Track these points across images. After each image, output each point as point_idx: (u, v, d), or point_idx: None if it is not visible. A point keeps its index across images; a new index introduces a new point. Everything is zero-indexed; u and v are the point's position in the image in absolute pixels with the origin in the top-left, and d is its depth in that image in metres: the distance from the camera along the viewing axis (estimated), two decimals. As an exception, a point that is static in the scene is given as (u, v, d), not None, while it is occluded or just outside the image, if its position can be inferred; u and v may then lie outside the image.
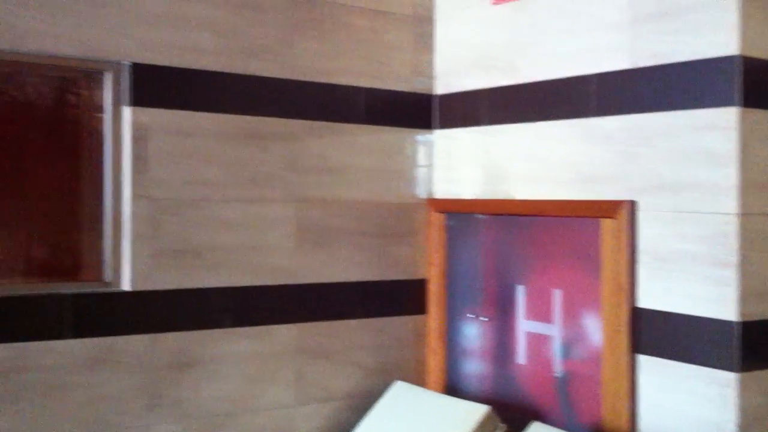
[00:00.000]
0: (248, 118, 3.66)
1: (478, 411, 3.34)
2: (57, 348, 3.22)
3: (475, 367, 3.88)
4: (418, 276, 4.11)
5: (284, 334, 3.74)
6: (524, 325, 3.63)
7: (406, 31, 4.13)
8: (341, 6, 3.92)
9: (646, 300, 3.17)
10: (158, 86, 3.46)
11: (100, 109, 3.46)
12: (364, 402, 3.86)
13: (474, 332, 3.89)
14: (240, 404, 3.62)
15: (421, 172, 4.16)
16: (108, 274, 3.42)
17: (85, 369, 3.27)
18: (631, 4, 3.26)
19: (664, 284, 3.11)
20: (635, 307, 3.19)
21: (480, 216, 3.89)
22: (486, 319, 3.82)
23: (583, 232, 3.37)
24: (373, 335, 3.96)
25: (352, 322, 3.92)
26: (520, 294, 3.65)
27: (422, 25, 4.18)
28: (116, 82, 3.42)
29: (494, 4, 3.85)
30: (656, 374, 3.14)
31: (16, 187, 3.36)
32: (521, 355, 3.64)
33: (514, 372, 3.68)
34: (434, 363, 4.05)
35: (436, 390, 3.94)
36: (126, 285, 3.40)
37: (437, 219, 4.07)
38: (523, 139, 3.69)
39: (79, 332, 3.27)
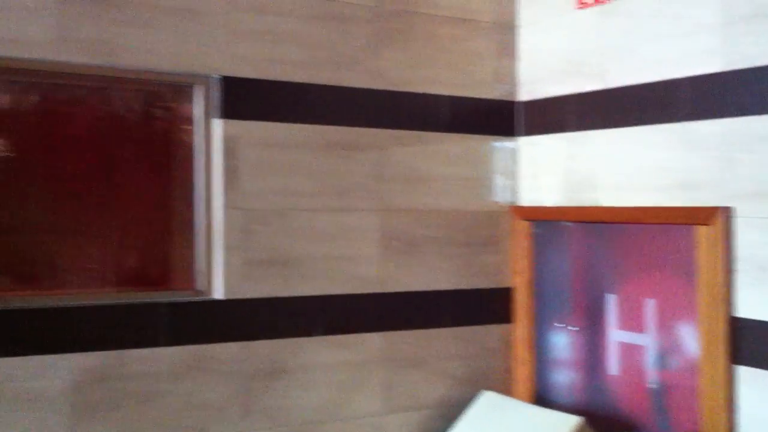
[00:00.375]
0: (335, 128, 3.70)
1: (571, 422, 3.29)
2: (153, 355, 3.29)
3: (564, 378, 3.82)
4: (504, 284, 4.08)
5: (372, 342, 3.75)
6: (615, 335, 3.56)
7: (489, 38, 4.11)
8: (425, 15, 3.93)
9: (745, 309, 3.08)
10: (247, 99, 3.52)
11: (190, 122, 3.54)
12: (451, 411, 3.85)
13: (563, 342, 3.83)
14: (329, 413, 3.64)
15: (505, 180, 4.13)
16: (200, 283, 3.49)
17: (180, 376, 3.34)
18: (725, 6, 3.17)
19: (764, 293, 3.01)
20: (733, 316, 3.10)
21: (567, 223, 3.84)
22: (575, 329, 3.76)
23: (677, 240, 3.29)
24: (460, 344, 3.95)
25: (439, 331, 3.91)
26: (611, 303, 3.59)
27: (505, 32, 4.16)
28: (206, 96, 3.50)
29: (579, 8, 3.80)
30: (757, 386, 3.04)
31: (111, 199, 3.45)
32: (613, 365, 3.57)
33: (605, 383, 3.61)
34: (522, 373, 4.01)
35: (524, 400, 3.89)
36: (218, 294, 3.46)
37: (523, 227, 4.04)
38: (613, 145, 3.63)
39: (174, 340, 3.34)
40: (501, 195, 4.11)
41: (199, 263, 3.49)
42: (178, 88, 3.53)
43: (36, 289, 3.25)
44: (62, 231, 3.34)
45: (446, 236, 3.94)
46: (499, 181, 4.12)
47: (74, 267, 3.35)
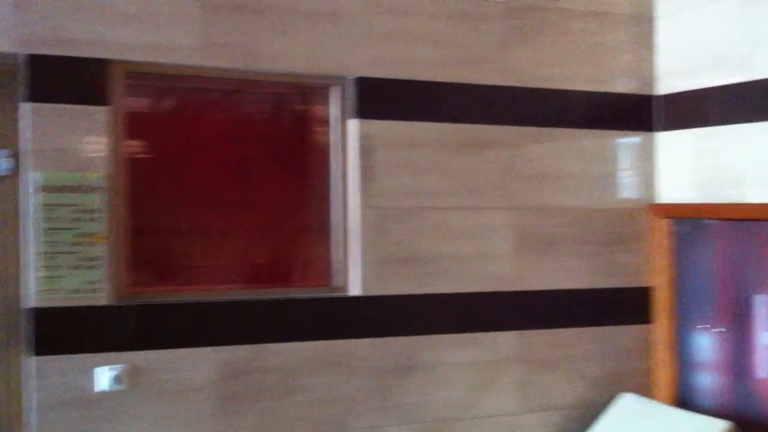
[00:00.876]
0: (468, 126, 3.69)
1: (719, 427, 3.16)
2: (292, 350, 3.38)
3: (709, 381, 3.67)
4: (643, 284, 3.96)
5: (506, 341, 3.72)
6: (766, 337, 3.39)
7: (624, 31, 4.00)
8: (557, 10, 3.87)
9: None
10: (382, 99, 3.56)
11: (326, 122, 3.61)
12: (588, 413, 3.77)
13: (707, 343, 3.68)
14: (463, 410, 3.64)
15: (641, 177, 4.01)
16: (337, 280, 3.55)
17: (318, 371, 3.41)
18: None
19: None
20: None
21: (709, 221, 3.69)
22: (721, 330, 3.61)
23: (833, 237, 3.10)
24: (596, 344, 3.86)
25: (574, 331, 3.83)
26: (761, 304, 3.42)
27: (641, 25, 4.04)
28: (342, 96, 3.56)
29: (721, -3, 3.65)
30: None
31: (250, 199, 3.57)
32: (763, 368, 3.40)
33: (754, 386, 3.44)
34: (664, 375, 3.88)
35: (665, 403, 3.76)
36: (354, 290, 3.52)
37: (661, 225, 3.91)
38: (760, 138, 3.46)
39: (312, 335, 3.42)
40: (637, 192, 3.99)
41: (336, 261, 3.56)
42: (315, 90, 3.61)
43: (184, 286, 3.40)
44: (206, 231, 3.48)
45: (581, 234, 3.86)
46: (635, 177, 4.00)
47: (217, 265, 3.49)
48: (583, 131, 3.89)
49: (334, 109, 3.59)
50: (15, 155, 3.09)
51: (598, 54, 3.95)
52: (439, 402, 3.60)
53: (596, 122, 3.94)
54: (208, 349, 3.25)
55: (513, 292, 3.73)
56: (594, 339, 3.85)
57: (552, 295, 3.80)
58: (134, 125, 3.24)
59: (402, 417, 3.54)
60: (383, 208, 3.53)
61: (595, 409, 3.75)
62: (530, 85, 3.80)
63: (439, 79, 3.64)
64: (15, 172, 3.09)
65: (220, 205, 3.48)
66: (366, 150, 3.52)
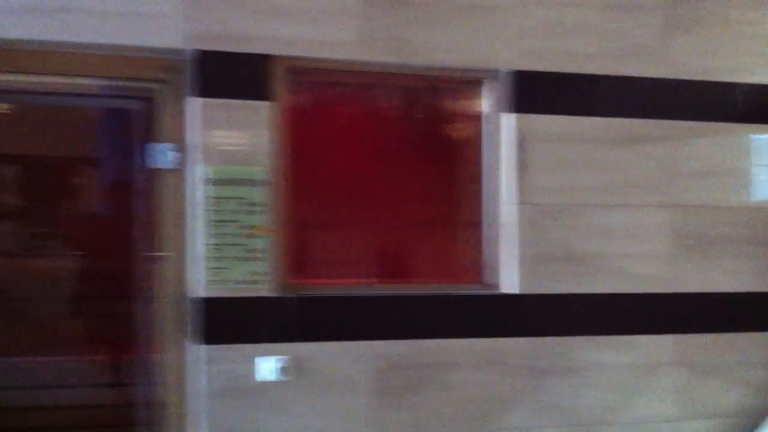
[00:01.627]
0: (625, 120, 3.57)
1: None
2: (447, 346, 3.35)
3: None
4: (813, 288, 3.74)
5: (663, 344, 3.58)
6: None
7: (788, 21, 3.79)
8: (717, 0, 3.70)
9: None
10: (537, 92, 3.49)
11: (478, 117, 3.57)
12: (753, 421, 3.58)
13: None
14: (619, 414, 3.53)
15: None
16: (489, 277, 3.50)
17: (472, 368, 3.38)
18: None
19: None
20: None
21: None
22: None
23: None
24: (762, 351, 3.66)
25: (737, 336, 3.65)
26: None
27: (807, 14, 3.81)
28: (495, 90, 3.51)
29: None
30: None
31: (405, 193, 3.56)
32: None
33: None
34: (836, 384, 3.65)
35: (838, 414, 3.54)
36: (507, 288, 3.46)
37: (834, 225, 3.67)
38: None
39: (466, 332, 3.38)
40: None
41: (487, 257, 3.51)
42: (468, 84, 3.57)
43: (342, 279, 3.43)
44: (362, 224, 3.50)
45: (746, 234, 3.67)
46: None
47: (373, 259, 3.50)
48: (749, 126, 3.71)
49: (487, 104, 3.55)
50: (182, 149, 3.18)
51: (760, 44, 3.75)
52: (593, 404, 3.50)
53: (761, 116, 3.74)
54: (365, 343, 3.26)
55: (671, 294, 3.59)
56: (760, 345, 3.65)
57: (713, 297, 3.63)
58: (295, 120, 3.28)
59: (555, 418, 3.46)
60: (538, 204, 3.46)
61: (761, 417, 3.56)
62: (691, 77, 3.65)
63: (596, 72, 3.54)
64: (181, 166, 3.18)
65: (375, 199, 3.50)
66: (520, 145, 3.46)
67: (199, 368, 3.09)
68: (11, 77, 3.09)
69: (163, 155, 3.17)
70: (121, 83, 3.20)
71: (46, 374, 4.01)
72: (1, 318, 3.60)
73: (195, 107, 3.10)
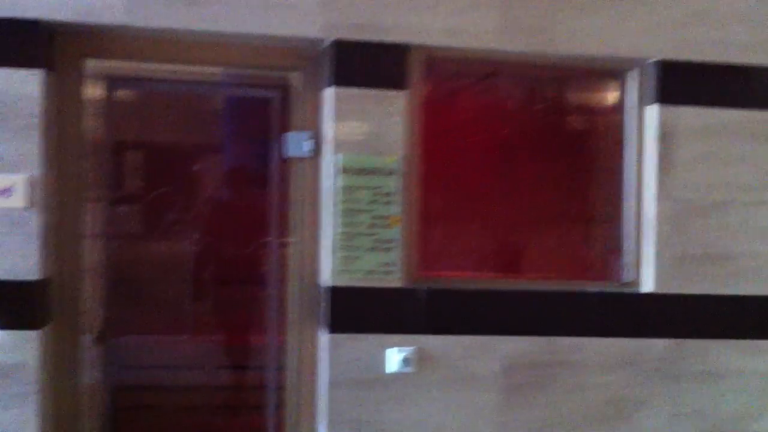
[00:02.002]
0: (778, 113, 3.34)
1: None
2: (581, 345, 3.24)
3: None
4: None
5: (815, 353, 3.34)
6: None
7: None
8: None
9: None
10: (684, 83, 3.31)
11: (620, 108, 3.41)
12: None
13: None
14: (758, 423, 3.32)
15: None
16: (628, 275, 3.36)
17: (607, 368, 3.26)
18: None
19: None
20: None
21: None
22: None
23: None
24: None
25: None
26: None
27: None
28: (640, 81, 3.35)
29: None
30: None
31: (539, 185, 3.46)
32: None
33: None
34: None
35: None
36: (644, 286, 3.31)
37: None
38: None
39: (602, 331, 3.26)
40: None
41: (627, 254, 3.37)
42: (610, 74, 3.43)
43: (471, 272, 3.37)
44: (493, 217, 3.43)
45: None
46: None
47: (504, 252, 3.43)
48: None
49: (630, 95, 3.39)
50: (316, 138, 3.18)
51: None
52: (731, 411, 3.33)
53: None
54: (495, 338, 3.19)
55: (824, 299, 3.34)
56: None
57: None
58: (429, 110, 3.23)
59: (689, 424, 3.31)
60: (683, 200, 3.29)
61: None
62: None
63: (749, 62, 3.32)
64: (316, 155, 3.19)
65: (508, 192, 3.42)
66: (666, 138, 3.29)
67: (325, 356, 3.10)
68: (155, 66, 3.17)
69: (297, 144, 3.18)
70: (258, 72, 3.24)
71: (174, 355, 4.14)
72: (137, 299, 3.73)
73: (330, 96, 3.10)
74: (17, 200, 2.85)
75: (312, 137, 3.19)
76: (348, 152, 3.09)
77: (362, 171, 3.09)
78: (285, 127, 3.22)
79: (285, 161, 3.22)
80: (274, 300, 3.31)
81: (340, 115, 3.09)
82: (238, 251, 4.03)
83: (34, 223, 2.88)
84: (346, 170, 3.09)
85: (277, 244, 3.30)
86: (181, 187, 3.97)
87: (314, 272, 3.21)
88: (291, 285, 3.23)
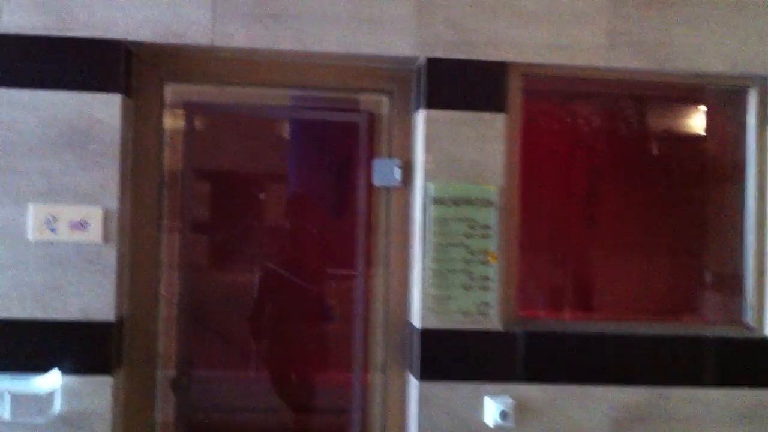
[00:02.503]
0: None
1: None
2: (700, 397, 2.91)
3: None
4: None
5: None
6: None
7: None
8: None
9: None
10: (814, 102, 2.96)
11: (741, 128, 3.08)
12: None
13: None
14: None
15: None
16: (750, 317, 3.01)
17: (731, 423, 2.92)
18: None
19: None
20: None
21: None
22: None
23: None
24: None
25: None
26: None
27: None
28: (761, 100, 3.02)
29: None
30: None
31: (643, 218, 3.15)
32: None
33: None
34: None
35: None
36: (771, 331, 2.97)
37: None
38: None
39: (722, 381, 2.92)
40: None
41: (748, 294, 3.02)
42: (730, 92, 3.10)
43: (573, 313, 3.08)
44: (597, 253, 3.13)
45: None
46: None
47: (611, 292, 3.13)
48: None
49: (750, 115, 3.06)
50: (406, 165, 2.94)
51: None
52: None
53: None
54: (601, 388, 2.88)
55: None
56: None
57: None
58: (529, 134, 2.96)
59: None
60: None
61: None
62: None
63: None
64: (405, 183, 2.95)
65: (616, 225, 3.11)
66: (797, 162, 2.95)
67: (414, 406, 2.84)
68: (236, 89, 2.98)
69: (386, 172, 2.95)
70: (345, 95, 3.02)
71: (247, 394, 3.88)
72: (213, 335, 3.52)
73: (422, 120, 2.85)
74: (93, 234, 2.68)
75: (402, 164, 2.95)
76: (441, 181, 2.84)
77: (457, 201, 2.84)
78: (372, 154, 2.99)
79: (372, 190, 2.99)
80: (359, 339, 3.07)
81: (432, 140, 2.84)
82: (320, 285, 3.78)
83: (109, 259, 2.71)
84: (438, 200, 2.84)
85: (362, 279, 3.06)
86: (261, 216, 3.74)
87: (402, 310, 2.96)
88: (376, 323, 2.99)
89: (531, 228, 2.97)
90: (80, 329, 2.68)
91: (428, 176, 2.84)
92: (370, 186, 2.99)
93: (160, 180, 2.88)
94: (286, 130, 3.31)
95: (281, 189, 3.81)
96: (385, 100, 3.00)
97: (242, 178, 3.27)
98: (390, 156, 2.97)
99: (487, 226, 2.84)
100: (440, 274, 2.84)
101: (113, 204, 2.71)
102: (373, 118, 3.00)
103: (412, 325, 2.89)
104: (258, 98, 3.02)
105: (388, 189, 2.98)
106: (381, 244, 2.99)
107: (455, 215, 2.83)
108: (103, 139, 2.70)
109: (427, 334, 2.83)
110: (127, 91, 2.77)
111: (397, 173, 2.95)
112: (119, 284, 2.73)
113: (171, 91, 2.93)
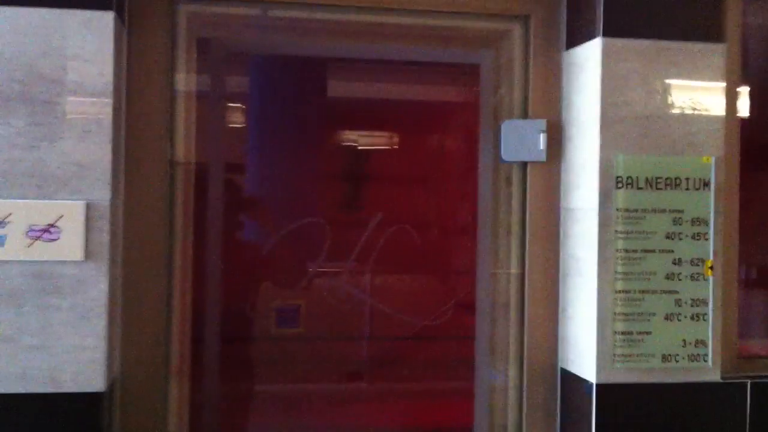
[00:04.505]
0: None
1: None
2: None
3: None
4: None
5: None
6: None
7: None
8: None
9: None
10: None
11: None
12: None
13: None
14: None
15: None
16: None
17: None
18: None
19: None
20: None
21: None
22: None
23: None
24: None
25: None
26: None
27: None
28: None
29: None
30: None
31: None
32: None
33: None
34: None
35: None
36: None
37: None
38: None
39: None
40: None
41: None
42: None
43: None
44: None
45: None
46: None
47: None
48: None
49: None
50: (552, 128, 1.90)
51: None
52: None
53: None
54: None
55: None
56: None
57: None
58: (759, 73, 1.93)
59: None
60: None
61: None
62: None
63: None
64: (550, 157, 1.90)
65: None
66: None
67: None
68: (292, 15, 1.90)
69: (521, 139, 1.90)
70: (456, 23, 1.96)
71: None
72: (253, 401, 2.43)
73: (593, 54, 1.81)
74: (66, 248, 1.57)
75: (545, 128, 1.90)
76: (622, 150, 1.78)
77: (655, 182, 1.78)
78: (497, 115, 1.95)
79: (498, 167, 1.95)
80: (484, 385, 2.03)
81: (610, 88, 1.79)
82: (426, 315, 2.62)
83: (94, 289, 1.59)
84: (626, 182, 1.78)
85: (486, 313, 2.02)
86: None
87: (545, 352, 1.92)
88: (516, 367, 1.95)
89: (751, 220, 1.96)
90: (51, 405, 1.56)
91: (605, 145, 1.78)
92: (495, 162, 1.95)
93: (171, 158, 1.79)
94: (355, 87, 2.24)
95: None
96: (517, 29, 1.95)
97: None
98: (529, 116, 1.92)
99: (699, 221, 1.79)
100: (630, 299, 1.78)
101: (102, 195, 1.60)
102: (499, 58, 1.96)
103: (572, 376, 1.85)
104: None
105: (525, 166, 1.93)
106: (513, 252, 1.94)
107: (653, 204, 1.78)
108: (84, 88, 1.60)
109: (605, 392, 1.78)
110: (119, 12, 1.67)
111: (542, 141, 1.90)
112: (111, 329, 1.62)
113: (186, 17, 1.84)
